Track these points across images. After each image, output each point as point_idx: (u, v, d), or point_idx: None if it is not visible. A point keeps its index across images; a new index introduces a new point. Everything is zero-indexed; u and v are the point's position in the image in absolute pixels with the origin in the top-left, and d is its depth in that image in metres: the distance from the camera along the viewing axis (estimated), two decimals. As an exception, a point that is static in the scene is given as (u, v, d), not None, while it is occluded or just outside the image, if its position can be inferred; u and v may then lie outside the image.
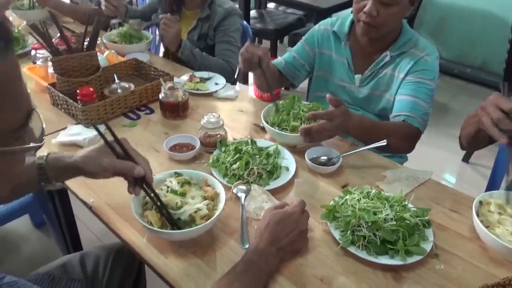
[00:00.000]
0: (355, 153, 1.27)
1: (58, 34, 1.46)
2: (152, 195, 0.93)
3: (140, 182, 0.92)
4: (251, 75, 3.79)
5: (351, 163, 1.27)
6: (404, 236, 0.93)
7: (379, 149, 1.28)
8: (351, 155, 1.27)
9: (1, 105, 0.50)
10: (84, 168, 0.92)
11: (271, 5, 4.39)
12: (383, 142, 1.24)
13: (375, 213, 0.96)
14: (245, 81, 3.88)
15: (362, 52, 1.54)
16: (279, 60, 1.68)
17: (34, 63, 1.68)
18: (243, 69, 1.40)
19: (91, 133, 1.31)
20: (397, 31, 1.47)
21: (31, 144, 0.58)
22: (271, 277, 0.89)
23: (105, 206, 1.08)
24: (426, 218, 0.99)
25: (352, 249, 0.94)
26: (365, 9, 1.34)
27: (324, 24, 1.64)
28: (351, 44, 1.55)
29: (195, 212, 0.95)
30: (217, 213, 0.95)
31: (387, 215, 0.95)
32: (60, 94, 1.40)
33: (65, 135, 1.30)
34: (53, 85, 1.45)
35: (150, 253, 0.95)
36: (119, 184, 1.13)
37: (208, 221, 0.93)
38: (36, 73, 1.59)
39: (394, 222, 0.94)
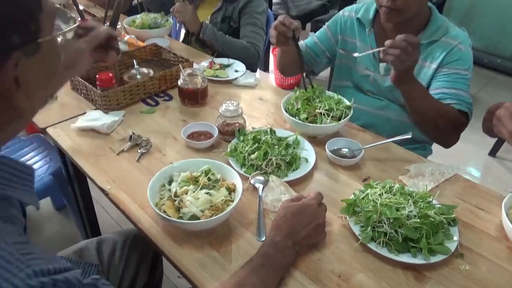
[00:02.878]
0: (377, 145, 1.23)
1: (79, 18, 1.45)
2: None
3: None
4: (271, 63, 3.74)
5: (373, 156, 1.23)
6: (428, 234, 0.89)
7: (425, 132, 1.24)
8: (373, 147, 1.23)
9: None
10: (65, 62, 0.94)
11: (294, -9, 4.29)
12: (407, 135, 1.19)
13: (397, 209, 0.92)
14: (265, 69, 3.83)
15: (387, 39, 1.47)
16: (300, 43, 1.63)
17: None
18: (276, 44, 1.33)
19: (110, 118, 1.30)
20: (426, 17, 1.40)
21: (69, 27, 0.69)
22: (287, 271, 0.87)
23: (121, 193, 1.07)
24: (452, 216, 0.95)
25: (372, 245, 0.91)
26: None
27: (348, 11, 1.58)
28: (376, 31, 1.49)
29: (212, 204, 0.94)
30: (232, 205, 0.93)
31: (411, 211, 0.92)
32: (80, 79, 1.39)
33: (84, 121, 1.30)
34: (73, 69, 1.45)
35: (166, 242, 0.94)
36: (136, 172, 1.14)
37: (223, 213, 0.91)
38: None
39: (418, 219, 0.90)
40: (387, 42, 1.15)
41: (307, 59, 1.62)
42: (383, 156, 1.23)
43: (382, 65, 1.48)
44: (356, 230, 0.94)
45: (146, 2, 2.09)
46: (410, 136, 1.18)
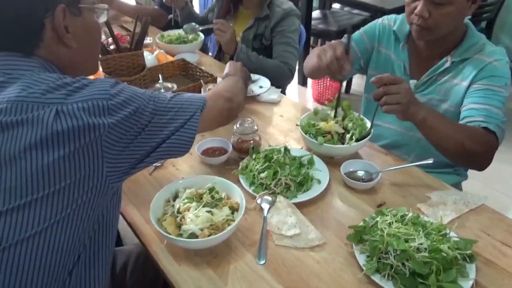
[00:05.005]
0: (397, 169, 1.16)
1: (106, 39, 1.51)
2: None
3: None
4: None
5: (392, 180, 1.16)
6: (438, 270, 0.82)
7: (452, 159, 1.16)
8: (393, 170, 1.16)
9: None
10: None
11: (336, 6, 4.25)
12: (429, 160, 1.12)
13: (406, 241, 0.86)
14: (303, 83, 3.80)
15: (420, 56, 1.40)
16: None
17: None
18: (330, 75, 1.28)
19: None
20: (460, 35, 1.32)
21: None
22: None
23: (130, 205, 1.09)
24: (468, 252, 0.87)
25: (376, 278, 0.85)
26: (416, 11, 1.22)
27: (388, 19, 1.50)
28: (409, 47, 1.42)
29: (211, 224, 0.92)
30: (232, 225, 0.91)
31: (421, 244, 0.85)
32: (106, 92, 1.45)
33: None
34: (102, 83, 1.51)
35: (165, 258, 0.94)
36: (148, 185, 1.15)
37: (221, 233, 0.89)
38: (91, 70, 1.67)
39: (428, 253, 0.83)
40: (373, 96, 1.12)
41: None
42: (403, 180, 1.16)
43: (413, 82, 1.41)
44: (361, 259, 0.89)
45: (180, 16, 2.14)
46: (431, 161, 1.11)
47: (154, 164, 1.22)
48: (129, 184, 1.15)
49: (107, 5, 0.90)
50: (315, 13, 3.97)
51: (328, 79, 3.30)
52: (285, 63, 1.85)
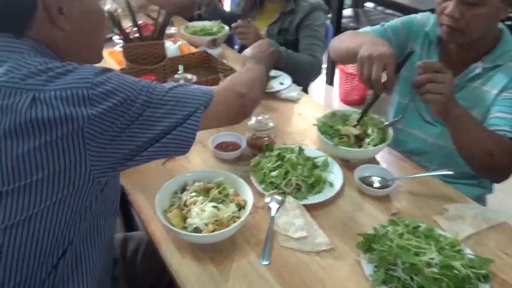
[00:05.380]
0: (415, 178, 1.11)
1: (130, 24, 1.51)
2: None
3: None
4: (336, 76, 3.63)
5: (409, 189, 1.12)
6: (449, 288, 0.78)
7: (475, 166, 1.10)
8: (411, 179, 1.12)
9: None
10: None
11: (369, 5, 4.15)
12: (449, 171, 1.06)
13: (417, 254, 0.82)
14: (330, 82, 3.74)
15: (450, 60, 1.33)
16: (364, 29, 1.48)
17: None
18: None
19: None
20: (493, 40, 1.24)
21: None
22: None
23: (140, 194, 1.09)
24: (483, 271, 0.82)
25: (382, 290, 0.82)
26: (446, 11, 1.16)
27: (425, 17, 1.42)
28: (440, 50, 1.36)
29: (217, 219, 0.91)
30: (237, 222, 0.90)
31: (432, 259, 0.81)
32: (127, 80, 1.45)
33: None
34: (123, 70, 1.52)
35: (169, 250, 0.93)
36: (158, 175, 1.15)
37: (225, 229, 0.88)
38: (114, 57, 1.68)
39: (439, 269, 0.79)
40: (413, 82, 1.04)
41: None
42: (420, 190, 1.12)
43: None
44: (368, 269, 0.86)
45: (206, 13, 2.13)
46: (451, 172, 1.06)
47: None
48: (139, 172, 1.15)
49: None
50: (347, 11, 3.89)
51: (356, 78, 3.23)
52: (313, 55, 1.81)
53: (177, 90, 0.80)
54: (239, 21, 1.72)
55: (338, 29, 3.49)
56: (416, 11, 2.78)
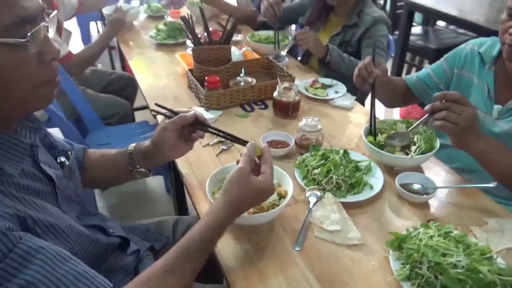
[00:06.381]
0: (460, 191, 1.13)
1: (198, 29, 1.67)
2: (210, 129, 1.06)
3: (198, 126, 1.04)
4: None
5: (450, 199, 1.13)
6: (473, 291, 0.80)
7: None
8: (455, 191, 1.13)
9: None
10: (154, 139, 1.04)
11: (441, 23, 4.05)
12: (491, 184, 1.06)
13: (444, 255, 0.85)
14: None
15: (508, 80, 1.33)
16: (411, 75, 1.58)
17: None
18: (355, 83, 1.37)
19: (208, 116, 1.48)
20: None
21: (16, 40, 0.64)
22: None
23: (194, 179, 1.22)
24: (511, 278, 0.83)
25: (406, 285, 0.85)
26: (510, 30, 1.17)
27: (472, 44, 1.46)
28: (496, 70, 1.35)
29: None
30: (275, 208, 0.98)
31: (459, 261, 0.83)
32: (193, 79, 1.61)
33: (187, 114, 1.50)
34: (191, 70, 1.68)
35: (213, 228, 1.04)
36: (212, 165, 1.27)
37: (264, 213, 0.97)
38: (185, 59, 1.86)
39: (464, 271, 0.82)
40: (427, 108, 1.08)
41: (417, 91, 1.55)
42: (462, 202, 1.12)
43: (497, 107, 1.34)
44: (395, 265, 0.90)
45: (270, 21, 2.25)
46: (492, 185, 1.06)
47: (222, 147, 1.34)
48: (196, 162, 1.28)
49: (25, 39, 0.66)
50: (417, 29, 3.84)
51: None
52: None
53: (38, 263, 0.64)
54: (298, 32, 1.83)
55: (405, 46, 3.46)
56: (488, 31, 2.72)
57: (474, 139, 1.10)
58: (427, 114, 1.10)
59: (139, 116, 2.73)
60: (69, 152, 0.99)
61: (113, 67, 3.83)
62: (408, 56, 3.76)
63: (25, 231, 0.66)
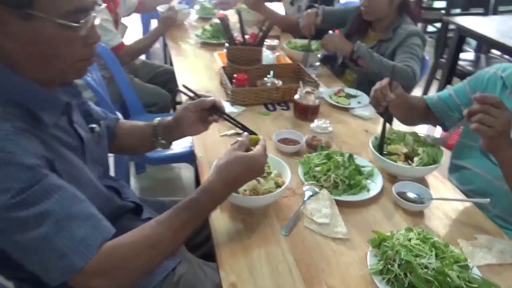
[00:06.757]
0: (454, 203, 1.15)
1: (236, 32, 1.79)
2: (224, 116, 1.20)
3: (215, 111, 1.18)
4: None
5: (446, 212, 1.15)
6: (438, 292, 0.84)
7: None
8: (449, 202, 1.15)
9: None
10: (176, 116, 1.19)
11: (496, 52, 3.92)
12: (485, 200, 1.08)
13: (416, 256, 0.89)
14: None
15: None
16: (432, 95, 1.60)
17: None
18: (371, 103, 1.41)
19: (232, 109, 1.59)
20: None
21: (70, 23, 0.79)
22: (213, 210, 0.95)
23: (207, 162, 1.33)
24: (478, 288, 0.85)
25: (377, 279, 0.90)
26: None
27: (496, 68, 1.46)
28: None
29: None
30: (269, 194, 1.07)
31: (429, 262, 0.87)
32: (224, 76, 1.73)
33: (213, 106, 1.62)
34: (224, 68, 1.81)
35: (213, 206, 1.14)
36: (223, 150, 1.37)
37: (257, 196, 1.05)
38: (222, 58, 1.99)
39: (433, 272, 0.85)
40: (465, 111, 1.09)
41: (437, 111, 1.57)
42: (457, 216, 1.15)
43: (517, 133, 1.34)
44: (371, 260, 0.95)
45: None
46: (486, 201, 1.07)
47: (237, 138, 1.44)
48: (212, 148, 1.39)
49: (78, 24, 0.80)
50: (468, 55, 3.76)
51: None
52: (408, 65, 1.80)
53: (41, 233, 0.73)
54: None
55: (453, 70, 3.40)
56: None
57: (506, 144, 1.11)
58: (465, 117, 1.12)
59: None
60: (101, 121, 1.14)
61: (165, 62, 4.07)
62: (455, 81, 3.68)
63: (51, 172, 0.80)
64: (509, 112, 1.09)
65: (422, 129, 3.37)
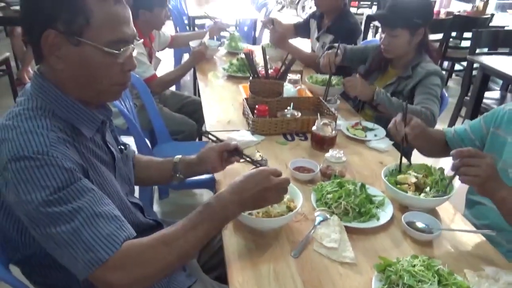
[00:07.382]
0: (464, 234, 1.17)
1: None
2: (244, 156, 1.36)
3: (236, 153, 1.35)
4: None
5: (455, 243, 1.17)
6: (438, 318, 0.86)
7: None
8: (460, 235, 1.17)
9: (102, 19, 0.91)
10: (201, 154, 1.35)
11: (525, 91, 3.89)
12: (492, 232, 1.10)
13: (419, 281, 0.92)
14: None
15: None
16: (450, 128, 1.63)
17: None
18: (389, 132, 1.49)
19: (251, 138, 1.68)
20: None
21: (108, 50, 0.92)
22: (226, 222, 1.04)
23: (223, 180, 1.42)
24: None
25: (380, 302, 0.94)
26: None
27: (510, 105, 1.51)
28: None
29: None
30: (280, 217, 1.13)
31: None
32: (247, 106, 1.84)
33: (234, 134, 1.72)
34: (246, 99, 1.92)
35: (229, 225, 1.20)
36: (240, 170, 1.45)
37: (271, 218, 1.12)
38: (246, 90, 2.11)
39: (434, 299, 0.88)
40: (450, 168, 1.16)
41: (453, 145, 1.61)
42: (466, 248, 1.16)
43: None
44: (375, 283, 0.98)
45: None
46: (493, 233, 1.09)
47: (253, 166, 1.52)
48: (230, 173, 1.46)
49: (118, 52, 0.93)
50: (494, 93, 3.76)
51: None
52: (426, 108, 1.84)
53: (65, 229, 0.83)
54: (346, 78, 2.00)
55: (477, 109, 3.39)
56: None
57: (496, 185, 1.16)
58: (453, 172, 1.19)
59: (204, 138, 3.03)
60: (127, 145, 1.26)
61: (195, 93, 4.27)
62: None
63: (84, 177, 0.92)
64: (489, 157, 1.15)
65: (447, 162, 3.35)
